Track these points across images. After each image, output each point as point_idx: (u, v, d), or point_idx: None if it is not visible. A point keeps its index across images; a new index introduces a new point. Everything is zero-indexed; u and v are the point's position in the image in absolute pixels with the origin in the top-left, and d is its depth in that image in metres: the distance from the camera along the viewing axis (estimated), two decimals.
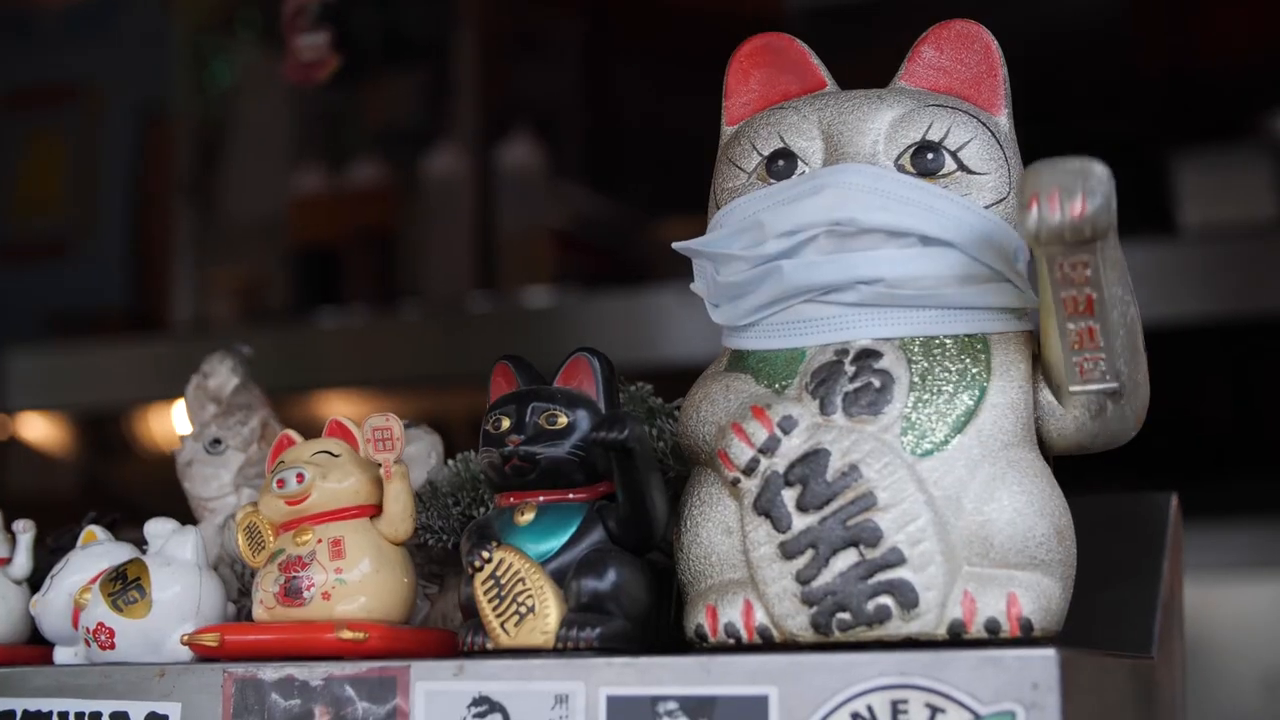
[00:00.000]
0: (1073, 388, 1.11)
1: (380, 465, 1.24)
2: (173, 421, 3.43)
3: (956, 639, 1.06)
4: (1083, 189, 1.00)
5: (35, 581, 1.41)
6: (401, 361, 3.15)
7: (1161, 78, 3.07)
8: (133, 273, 3.59)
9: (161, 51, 3.62)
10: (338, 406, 3.26)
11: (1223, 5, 3.05)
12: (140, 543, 1.38)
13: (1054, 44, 2.93)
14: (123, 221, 3.59)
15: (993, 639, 1.06)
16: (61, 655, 1.35)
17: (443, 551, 1.37)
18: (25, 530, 1.43)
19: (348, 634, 1.18)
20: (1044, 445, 1.13)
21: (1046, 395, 1.13)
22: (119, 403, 3.45)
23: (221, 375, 1.50)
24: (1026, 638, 1.06)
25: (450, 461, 1.39)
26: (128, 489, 3.53)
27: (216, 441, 1.47)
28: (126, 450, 3.58)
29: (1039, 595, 1.07)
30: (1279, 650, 2.93)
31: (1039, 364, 1.13)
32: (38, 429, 3.61)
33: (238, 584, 1.41)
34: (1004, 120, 1.19)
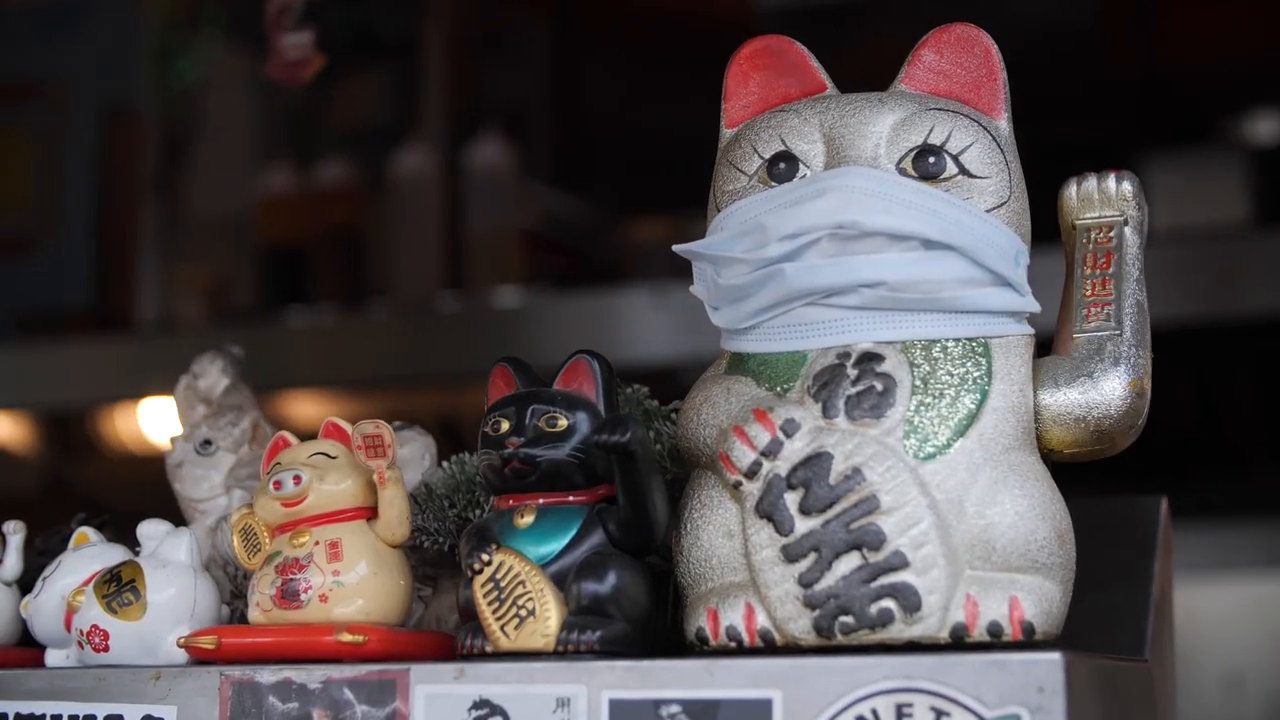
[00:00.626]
0: (1075, 332, 1.15)
1: (374, 470, 1.24)
2: (139, 421, 3.41)
3: (959, 642, 1.06)
4: (1117, 171, 1.21)
5: (24, 583, 1.40)
6: (370, 361, 3.14)
7: (1131, 81, 3.09)
8: (98, 271, 3.57)
9: (127, 48, 3.60)
10: (306, 407, 3.25)
11: (1192, 10, 3.07)
12: (129, 544, 1.37)
13: (1024, 47, 2.94)
14: (88, 220, 3.57)
15: (995, 642, 1.06)
16: (54, 658, 1.34)
17: (437, 554, 1.37)
18: (15, 531, 1.42)
19: (347, 636, 1.17)
20: (1043, 445, 1.14)
21: (1044, 368, 1.14)
22: (83, 402, 3.43)
23: (212, 376, 1.49)
24: (1029, 641, 1.06)
25: (445, 463, 1.39)
26: (92, 488, 3.51)
27: (207, 443, 1.47)
28: (91, 449, 3.56)
29: (1040, 598, 1.07)
30: (1238, 650, 2.95)
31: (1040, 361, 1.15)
32: (1, 428, 3.59)
33: (230, 586, 1.40)
34: (1004, 124, 1.19)
